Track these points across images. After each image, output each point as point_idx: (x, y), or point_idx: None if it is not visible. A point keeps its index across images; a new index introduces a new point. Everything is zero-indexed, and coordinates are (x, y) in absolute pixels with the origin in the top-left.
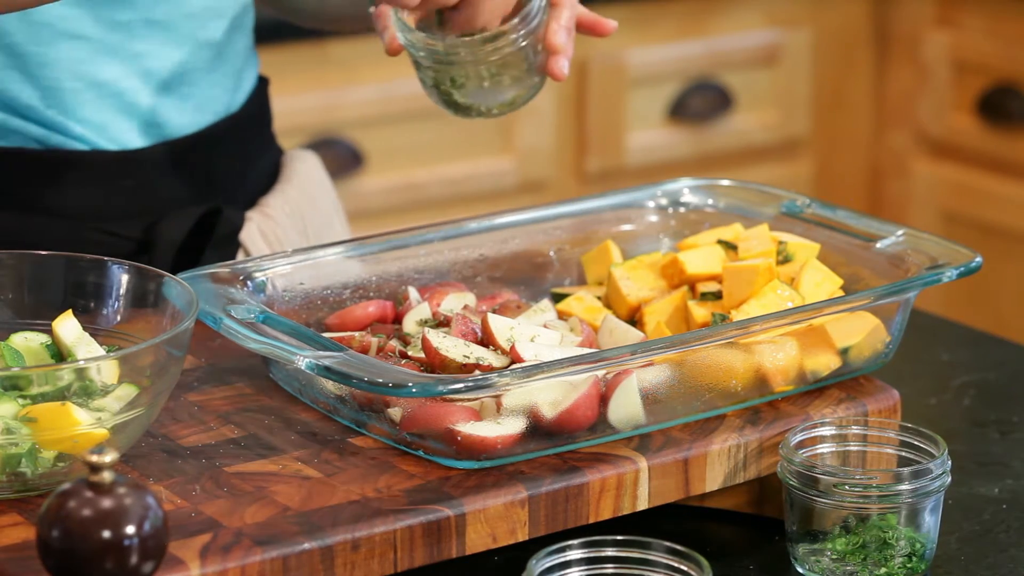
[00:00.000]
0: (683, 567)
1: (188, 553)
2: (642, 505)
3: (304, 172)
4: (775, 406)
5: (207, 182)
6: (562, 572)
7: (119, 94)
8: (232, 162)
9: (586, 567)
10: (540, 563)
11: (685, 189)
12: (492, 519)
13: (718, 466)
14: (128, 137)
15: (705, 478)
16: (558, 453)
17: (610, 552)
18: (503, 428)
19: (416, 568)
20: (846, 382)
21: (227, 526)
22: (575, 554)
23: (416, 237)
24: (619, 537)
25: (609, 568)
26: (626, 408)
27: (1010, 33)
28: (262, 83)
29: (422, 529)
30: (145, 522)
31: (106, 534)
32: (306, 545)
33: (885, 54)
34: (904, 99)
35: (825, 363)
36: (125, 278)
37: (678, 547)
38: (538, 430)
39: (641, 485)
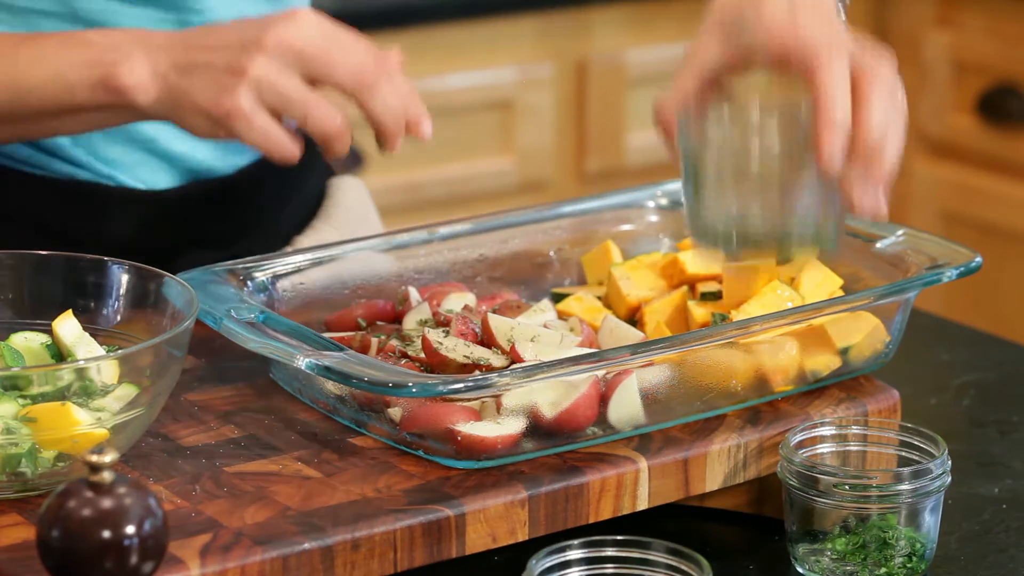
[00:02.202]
0: (683, 567)
1: (188, 553)
2: (642, 505)
3: (345, 206)
4: (775, 406)
5: (237, 222)
6: (562, 572)
7: (152, 140)
8: (266, 201)
9: (586, 567)
10: (540, 563)
11: None
12: (492, 519)
13: (718, 466)
14: (157, 177)
15: (705, 478)
16: (558, 453)
17: (610, 552)
18: (503, 428)
19: (416, 568)
20: (846, 382)
21: (227, 526)
22: (575, 554)
23: (416, 237)
24: (619, 537)
25: (609, 568)
26: (626, 408)
27: (1010, 33)
28: None
29: (422, 529)
30: (145, 522)
31: (106, 534)
32: (306, 545)
33: None
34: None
35: (825, 363)
36: (125, 278)
37: (678, 547)
38: (538, 430)
39: (641, 485)
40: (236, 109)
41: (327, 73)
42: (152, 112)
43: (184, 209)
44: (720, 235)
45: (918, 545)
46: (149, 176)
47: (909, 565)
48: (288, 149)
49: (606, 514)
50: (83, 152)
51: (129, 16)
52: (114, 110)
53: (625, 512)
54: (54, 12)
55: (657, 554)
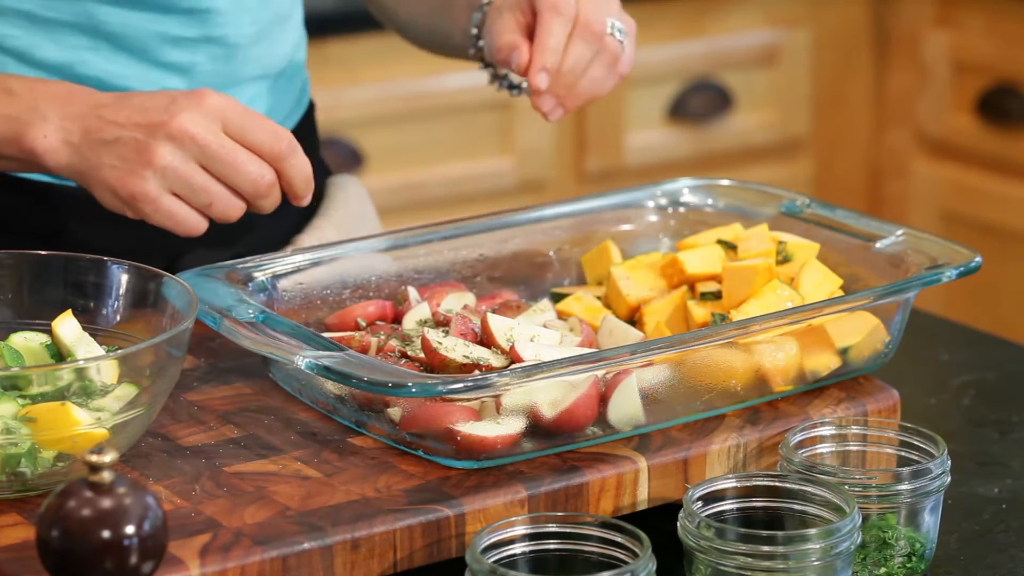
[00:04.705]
0: (622, 541)
1: (188, 553)
2: (642, 505)
3: (345, 204)
4: (775, 406)
5: (239, 221)
6: (507, 547)
7: None
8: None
9: (530, 542)
10: (484, 539)
11: (685, 189)
12: (492, 519)
13: (718, 466)
14: None
15: (705, 478)
16: (558, 453)
17: (553, 528)
18: (503, 428)
19: (416, 568)
20: (846, 382)
21: (227, 526)
22: (519, 530)
23: (416, 237)
24: (560, 514)
25: (552, 544)
26: (626, 408)
27: (1010, 33)
28: (308, 111)
29: (422, 529)
30: (145, 522)
31: (106, 534)
32: (306, 545)
33: (885, 54)
34: (904, 99)
35: (825, 363)
36: (125, 278)
37: (618, 522)
38: (538, 430)
39: (641, 485)
40: (142, 194)
41: (225, 175)
42: (63, 174)
43: None
44: None
45: (918, 545)
46: None
47: (909, 565)
48: (195, 227)
49: (606, 514)
50: None
51: (149, 30)
52: (27, 164)
53: (625, 512)
54: (75, 23)
55: (597, 529)
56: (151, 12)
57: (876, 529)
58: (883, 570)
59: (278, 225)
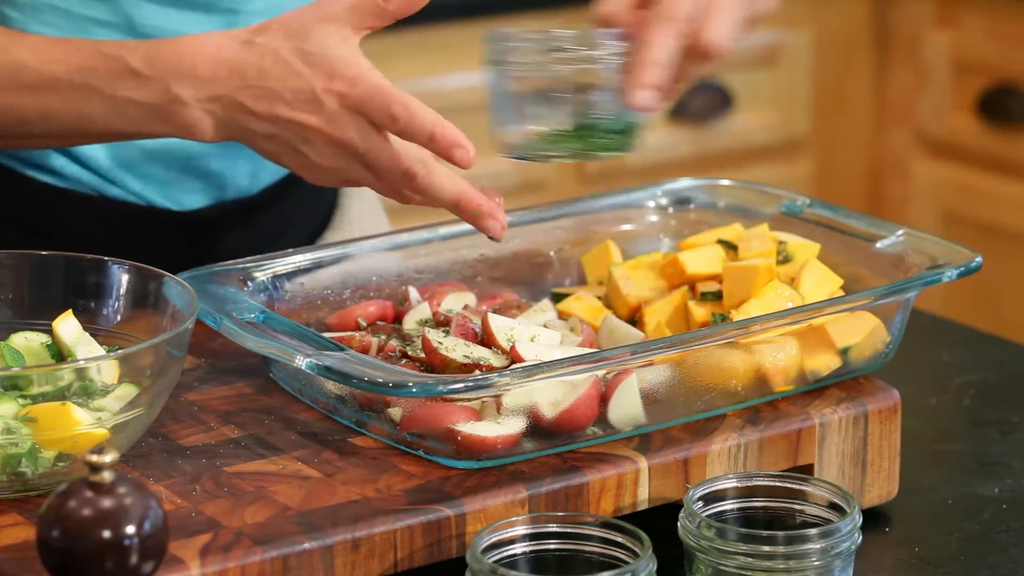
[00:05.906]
0: (623, 541)
1: (188, 553)
2: (642, 505)
3: (358, 215)
4: (775, 406)
5: (256, 239)
6: (507, 547)
7: (187, 158)
8: (286, 218)
9: (530, 542)
10: (484, 539)
11: (685, 189)
12: (492, 519)
13: (718, 466)
14: (190, 198)
15: (705, 478)
16: (558, 453)
17: (553, 528)
18: (503, 428)
19: (416, 568)
20: (846, 382)
21: (227, 526)
22: (519, 530)
23: (416, 237)
24: (561, 513)
25: (552, 543)
26: (626, 408)
27: (1010, 33)
28: None
29: (422, 529)
30: (145, 522)
31: (106, 534)
32: (306, 545)
33: (885, 54)
34: (904, 99)
35: (825, 363)
36: (125, 278)
37: (618, 522)
38: (538, 430)
39: (641, 485)
40: (300, 166)
41: (372, 170)
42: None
43: (208, 228)
44: (526, 141)
45: None
46: (181, 196)
47: None
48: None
49: (606, 514)
50: (122, 171)
51: (187, 28)
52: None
53: (625, 512)
54: (110, 22)
55: (598, 529)
56: (190, 10)
57: None
58: None
59: (293, 240)
